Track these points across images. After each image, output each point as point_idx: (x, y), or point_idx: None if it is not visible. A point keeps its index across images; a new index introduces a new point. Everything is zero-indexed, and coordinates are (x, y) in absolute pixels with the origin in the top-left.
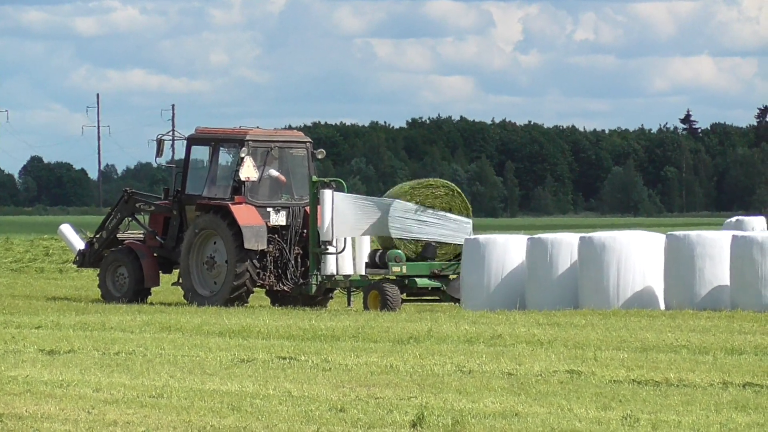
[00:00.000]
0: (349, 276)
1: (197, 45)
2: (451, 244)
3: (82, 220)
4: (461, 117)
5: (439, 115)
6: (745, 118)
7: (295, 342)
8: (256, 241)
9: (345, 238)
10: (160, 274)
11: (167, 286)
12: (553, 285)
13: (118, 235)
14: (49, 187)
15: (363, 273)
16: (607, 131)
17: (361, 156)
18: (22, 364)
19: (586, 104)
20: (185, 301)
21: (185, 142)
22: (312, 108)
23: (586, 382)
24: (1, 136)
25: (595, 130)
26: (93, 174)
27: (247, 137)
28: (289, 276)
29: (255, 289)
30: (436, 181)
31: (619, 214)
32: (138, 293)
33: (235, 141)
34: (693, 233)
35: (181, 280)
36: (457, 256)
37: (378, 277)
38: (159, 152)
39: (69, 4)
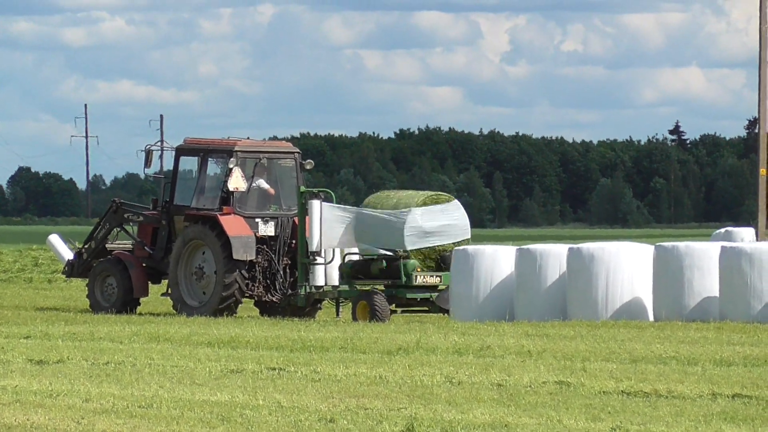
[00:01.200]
0: (338, 286)
1: (186, 56)
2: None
3: (71, 230)
4: (450, 128)
5: (427, 126)
6: (734, 129)
7: (284, 353)
8: (244, 252)
9: (333, 249)
10: (149, 285)
11: (156, 296)
12: (541, 296)
13: (106, 246)
14: (37, 197)
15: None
16: (595, 142)
17: (350, 167)
18: (10, 374)
19: (574, 115)
20: (174, 312)
21: (174, 152)
22: (300, 119)
23: (575, 393)
24: None
25: (583, 141)
26: (81, 184)
27: (236, 148)
28: (277, 287)
29: (244, 299)
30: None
31: (608, 226)
32: (127, 303)
33: (224, 152)
34: (682, 244)
35: (169, 291)
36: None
37: (367, 288)
38: (148, 163)
39: (58, 14)
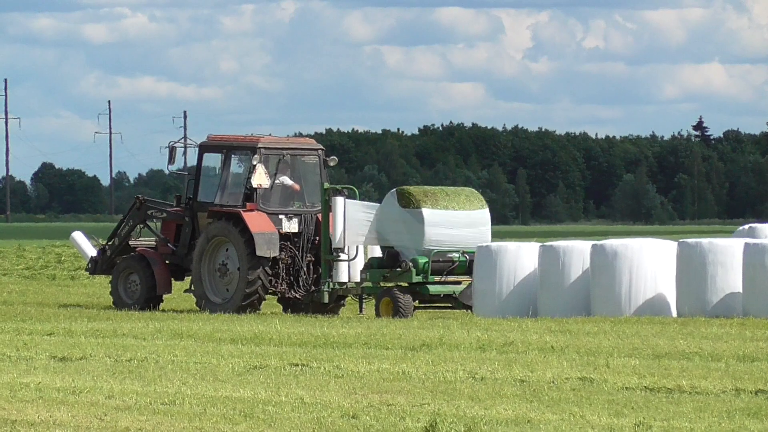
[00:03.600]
0: (361, 283)
1: (207, 52)
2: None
3: (94, 227)
4: (473, 124)
5: (451, 121)
6: (756, 126)
7: (307, 349)
8: (268, 249)
9: (357, 246)
10: (172, 281)
11: (179, 293)
12: (565, 292)
13: (130, 242)
14: (60, 193)
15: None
16: (618, 138)
17: (374, 163)
18: (34, 371)
19: (596, 111)
20: (197, 308)
21: (197, 149)
22: (323, 115)
23: (598, 389)
24: (13, 143)
25: (607, 136)
26: (105, 181)
27: (259, 144)
28: (301, 283)
29: (267, 296)
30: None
31: (631, 222)
32: (150, 300)
33: (247, 148)
34: (705, 241)
35: (193, 287)
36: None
37: (390, 284)
38: (171, 159)
39: (79, 11)
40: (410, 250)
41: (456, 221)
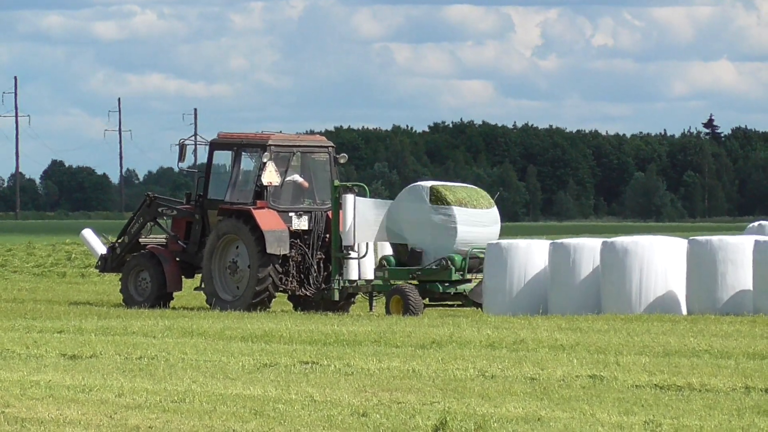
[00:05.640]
0: (371, 281)
1: (217, 50)
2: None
3: (104, 224)
4: (483, 121)
5: (461, 119)
6: (766, 122)
7: (317, 347)
8: (278, 246)
9: (367, 243)
10: (183, 279)
11: (189, 290)
12: (575, 290)
13: (140, 240)
14: (70, 191)
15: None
16: (628, 136)
17: (384, 161)
18: (44, 369)
19: (606, 109)
20: (207, 306)
21: (207, 146)
22: (333, 113)
23: (608, 387)
24: (23, 141)
25: (617, 134)
26: (115, 178)
27: (270, 142)
28: (311, 281)
29: (277, 293)
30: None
31: (641, 219)
32: (160, 298)
33: (258, 146)
34: (715, 238)
35: (203, 285)
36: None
37: (400, 282)
38: (181, 157)
39: (88, 8)
40: (437, 248)
41: (479, 220)
